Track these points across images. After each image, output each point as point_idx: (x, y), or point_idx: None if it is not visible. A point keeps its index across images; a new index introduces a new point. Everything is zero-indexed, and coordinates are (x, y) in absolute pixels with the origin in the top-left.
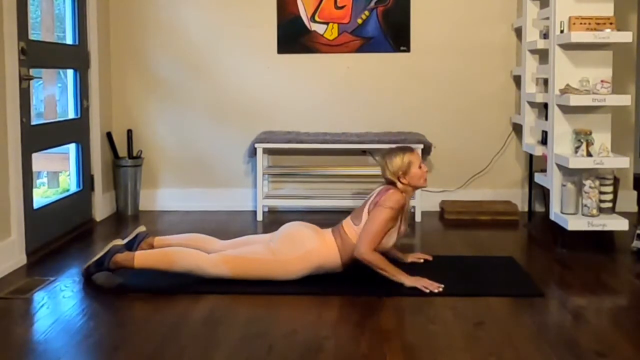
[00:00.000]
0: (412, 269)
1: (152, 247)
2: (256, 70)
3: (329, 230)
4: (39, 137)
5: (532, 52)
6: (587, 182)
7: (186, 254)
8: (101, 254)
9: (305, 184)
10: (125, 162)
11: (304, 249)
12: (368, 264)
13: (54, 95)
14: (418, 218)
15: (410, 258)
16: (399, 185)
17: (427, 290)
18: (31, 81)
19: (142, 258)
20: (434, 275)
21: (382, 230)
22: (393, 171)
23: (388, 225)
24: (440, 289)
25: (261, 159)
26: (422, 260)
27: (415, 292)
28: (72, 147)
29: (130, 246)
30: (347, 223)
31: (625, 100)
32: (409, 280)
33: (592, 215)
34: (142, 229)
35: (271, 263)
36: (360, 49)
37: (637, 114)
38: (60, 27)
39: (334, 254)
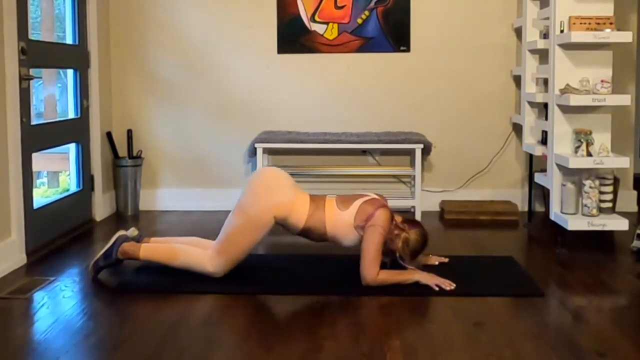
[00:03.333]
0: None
1: None
2: (256, 70)
3: (307, 194)
4: (39, 137)
5: (532, 52)
6: (587, 182)
7: (189, 251)
8: (108, 245)
9: (305, 184)
10: (125, 162)
11: (277, 200)
12: (380, 286)
13: (54, 95)
14: (418, 218)
15: (423, 261)
16: (396, 228)
17: (437, 289)
18: (31, 81)
19: (147, 249)
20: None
21: (379, 250)
22: (411, 245)
23: (382, 245)
24: (452, 287)
25: (261, 159)
26: (437, 263)
27: (415, 291)
28: (72, 147)
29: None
30: (330, 202)
31: (625, 100)
32: (422, 277)
33: (592, 215)
34: (134, 232)
35: (247, 224)
36: (360, 49)
37: (637, 114)
38: (60, 27)
39: (302, 216)
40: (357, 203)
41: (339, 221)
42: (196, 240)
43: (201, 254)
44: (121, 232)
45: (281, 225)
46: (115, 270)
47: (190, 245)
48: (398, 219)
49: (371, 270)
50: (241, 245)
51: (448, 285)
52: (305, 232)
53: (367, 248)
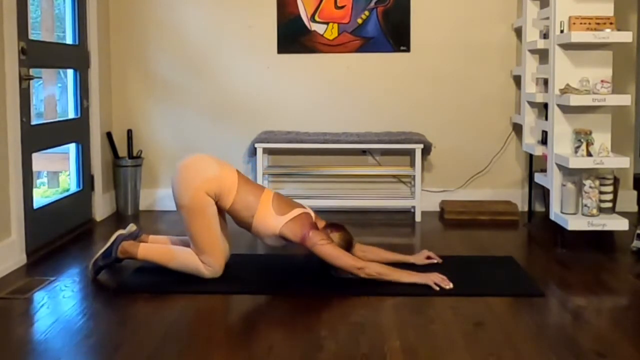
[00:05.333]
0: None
1: None
2: (256, 70)
3: (235, 170)
4: (39, 137)
5: (532, 52)
6: (587, 182)
7: (187, 254)
8: (107, 244)
9: (305, 184)
10: (125, 162)
11: (202, 176)
12: (368, 277)
13: (54, 95)
14: (418, 218)
15: (423, 261)
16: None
17: (438, 288)
18: (31, 81)
19: (145, 249)
20: None
21: (338, 250)
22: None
23: (333, 245)
24: (450, 286)
25: (261, 159)
26: (435, 262)
27: (415, 291)
28: (72, 147)
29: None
30: (267, 197)
31: (625, 100)
32: (419, 278)
33: (592, 215)
34: (132, 228)
35: (192, 215)
36: (360, 49)
37: (637, 114)
38: (60, 27)
39: (231, 190)
40: (289, 216)
41: (267, 221)
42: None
43: (196, 258)
44: (120, 232)
45: (217, 205)
46: (115, 270)
47: (187, 246)
48: (321, 224)
49: (350, 261)
50: (205, 235)
51: (446, 283)
52: (233, 212)
53: (331, 257)
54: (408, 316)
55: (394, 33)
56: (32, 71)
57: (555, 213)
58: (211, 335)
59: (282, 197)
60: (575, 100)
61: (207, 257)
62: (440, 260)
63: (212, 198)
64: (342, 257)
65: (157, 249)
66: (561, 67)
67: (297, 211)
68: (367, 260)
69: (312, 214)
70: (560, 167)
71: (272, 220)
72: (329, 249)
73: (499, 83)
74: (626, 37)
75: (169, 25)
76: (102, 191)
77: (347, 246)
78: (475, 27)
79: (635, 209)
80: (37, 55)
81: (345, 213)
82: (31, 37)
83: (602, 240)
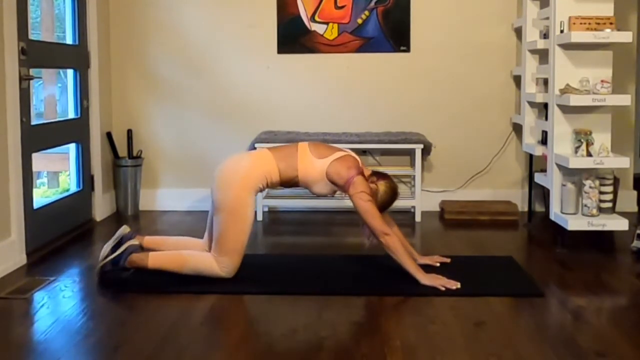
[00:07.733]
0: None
1: (142, 247)
2: (256, 70)
3: (265, 149)
4: (39, 137)
5: (532, 52)
6: (587, 182)
7: (197, 256)
8: (117, 252)
9: None
10: (125, 162)
11: (241, 174)
12: (386, 248)
13: (54, 95)
14: (418, 218)
15: (424, 260)
16: (371, 183)
17: (443, 289)
18: (31, 81)
19: (155, 258)
20: None
21: (375, 208)
22: (380, 197)
23: (374, 201)
24: (458, 286)
25: None
26: (437, 264)
27: (416, 291)
28: (72, 147)
29: (117, 248)
30: (303, 148)
31: (625, 100)
32: (425, 278)
33: (592, 215)
34: (125, 229)
35: (231, 215)
36: (360, 49)
37: (637, 114)
38: (60, 27)
39: (273, 169)
40: (332, 157)
41: (310, 168)
42: (187, 240)
43: (209, 258)
44: (124, 229)
45: (268, 189)
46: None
47: (180, 244)
48: (367, 172)
49: (381, 224)
50: (236, 239)
51: (454, 285)
52: (284, 180)
53: (365, 211)
54: (408, 316)
55: (394, 33)
56: (32, 71)
57: (555, 213)
58: (211, 335)
59: (320, 144)
60: (575, 100)
61: (226, 259)
62: (448, 260)
63: (264, 186)
64: (376, 218)
65: (166, 256)
66: (561, 67)
67: (340, 153)
68: None
69: (358, 159)
70: (560, 167)
71: (315, 165)
72: (368, 205)
73: (499, 83)
74: (626, 37)
75: (169, 25)
76: (102, 191)
77: (393, 195)
78: (475, 27)
79: (635, 209)
80: (37, 55)
81: (346, 213)
82: (31, 37)
83: (602, 240)
